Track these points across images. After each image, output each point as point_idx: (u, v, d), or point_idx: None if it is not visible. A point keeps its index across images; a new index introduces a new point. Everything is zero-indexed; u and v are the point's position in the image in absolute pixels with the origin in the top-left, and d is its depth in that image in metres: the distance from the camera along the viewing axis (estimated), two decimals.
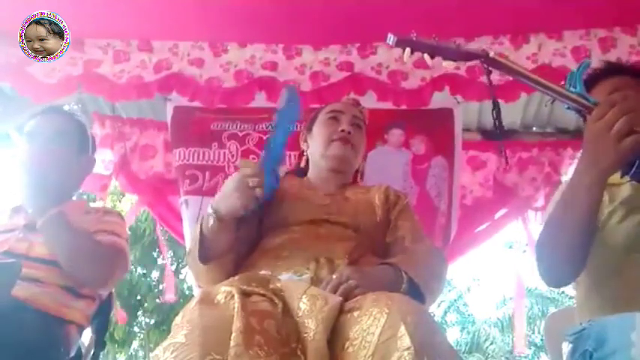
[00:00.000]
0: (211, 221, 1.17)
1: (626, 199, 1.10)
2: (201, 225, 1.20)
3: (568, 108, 1.04)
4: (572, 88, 1.01)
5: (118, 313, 2.47)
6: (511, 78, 1.08)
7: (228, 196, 1.17)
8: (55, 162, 1.53)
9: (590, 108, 0.99)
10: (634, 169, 0.99)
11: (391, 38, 1.03)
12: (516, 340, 2.77)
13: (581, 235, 1.00)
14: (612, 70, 1.27)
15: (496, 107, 1.06)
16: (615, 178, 1.02)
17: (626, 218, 1.10)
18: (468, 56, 1.04)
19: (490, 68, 1.04)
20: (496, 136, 1.03)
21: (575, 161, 2.38)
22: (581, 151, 1.01)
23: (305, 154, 1.57)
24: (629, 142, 0.92)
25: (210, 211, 1.18)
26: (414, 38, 1.03)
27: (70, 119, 1.65)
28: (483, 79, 1.06)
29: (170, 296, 2.79)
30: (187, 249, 1.39)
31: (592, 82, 1.18)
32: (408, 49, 1.03)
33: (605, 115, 0.93)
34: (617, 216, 1.06)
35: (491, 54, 1.03)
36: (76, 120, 1.67)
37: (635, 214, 1.11)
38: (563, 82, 1.04)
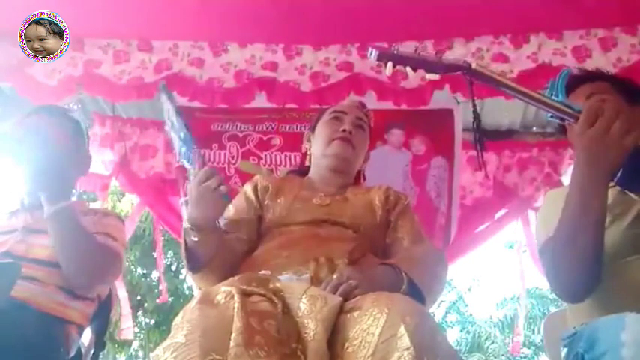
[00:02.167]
0: (192, 236, 1.16)
1: (609, 207, 1.10)
2: (184, 238, 1.19)
3: (551, 117, 1.04)
4: (554, 97, 1.01)
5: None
6: (509, 79, 1.08)
7: (197, 207, 1.14)
8: (55, 157, 1.51)
9: (575, 116, 0.99)
10: (619, 174, 0.99)
11: (372, 53, 1.03)
12: (516, 340, 2.78)
13: (595, 243, 0.99)
14: (589, 76, 1.28)
15: (476, 119, 1.06)
16: None
17: (611, 226, 1.10)
18: (451, 68, 1.03)
19: (472, 79, 1.03)
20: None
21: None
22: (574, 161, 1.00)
23: (308, 154, 1.57)
24: (631, 140, 0.93)
25: (187, 225, 1.17)
26: (395, 52, 1.02)
27: (64, 117, 1.63)
28: (482, 81, 1.05)
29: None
30: None
31: (569, 87, 1.18)
32: (390, 63, 1.02)
33: (596, 120, 0.95)
34: None
35: (474, 65, 1.02)
36: (70, 117, 1.65)
37: (620, 221, 1.11)
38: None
